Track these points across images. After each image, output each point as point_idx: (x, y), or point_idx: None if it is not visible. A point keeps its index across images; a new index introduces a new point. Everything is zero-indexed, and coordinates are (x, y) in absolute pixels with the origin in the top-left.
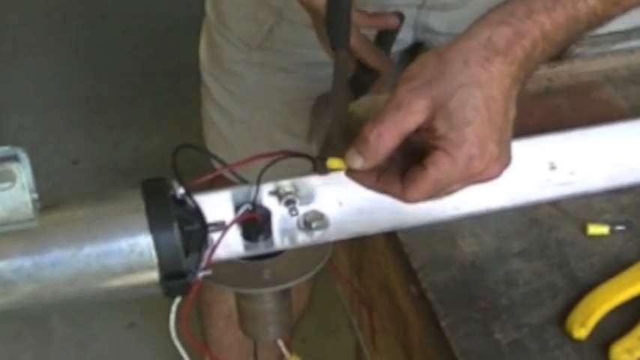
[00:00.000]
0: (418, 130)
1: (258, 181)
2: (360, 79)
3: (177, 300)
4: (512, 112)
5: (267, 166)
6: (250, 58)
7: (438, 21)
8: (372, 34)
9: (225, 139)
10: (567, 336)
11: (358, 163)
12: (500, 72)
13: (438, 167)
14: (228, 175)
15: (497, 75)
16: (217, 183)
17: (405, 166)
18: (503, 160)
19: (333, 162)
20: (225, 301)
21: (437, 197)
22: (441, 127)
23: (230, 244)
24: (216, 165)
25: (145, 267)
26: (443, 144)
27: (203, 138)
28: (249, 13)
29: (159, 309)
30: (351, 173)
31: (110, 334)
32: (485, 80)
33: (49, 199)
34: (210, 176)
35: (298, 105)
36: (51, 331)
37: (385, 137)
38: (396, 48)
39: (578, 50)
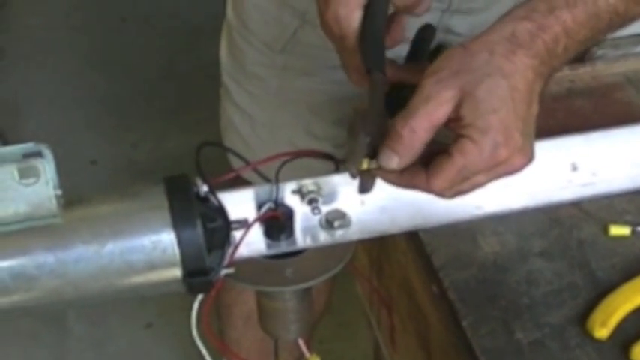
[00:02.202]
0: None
1: (277, 177)
2: (397, 95)
3: (199, 297)
4: (535, 107)
5: (285, 163)
6: (273, 62)
7: (460, 23)
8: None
9: (245, 141)
10: (588, 336)
11: (394, 162)
12: (523, 64)
13: (464, 154)
14: (248, 177)
15: (521, 67)
16: (237, 185)
17: (427, 161)
18: (527, 152)
19: (364, 162)
20: (244, 302)
21: (461, 189)
22: (468, 115)
23: (252, 242)
24: (235, 166)
25: (168, 264)
26: (469, 132)
27: (221, 139)
28: (273, 17)
29: (176, 309)
30: (380, 172)
31: (128, 334)
32: (510, 71)
33: (71, 197)
34: (233, 174)
35: (320, 107)
36: (68, 330)
37: (418, 131)
38: None
39: (599, 52)
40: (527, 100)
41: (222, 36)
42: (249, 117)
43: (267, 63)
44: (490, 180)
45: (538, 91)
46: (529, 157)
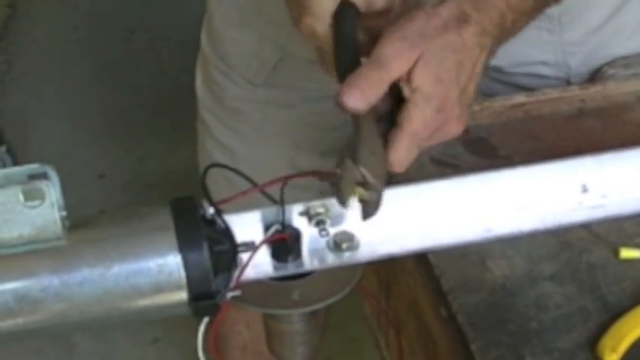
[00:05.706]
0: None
1: (282, 198)
2: None
3: (205, 320)
4: (476, 78)
5: (287, 178)
6: (254, 95)
7: None
8: None
9: (226, 177)
10: None
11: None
12: (471, 41)
13: (411, 120)
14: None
15: (469, 44)
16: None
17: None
18: (463, 120)
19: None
20: (238, 333)
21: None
22: (417, 79)
23: (259, 265)
24: (215, 196)
25: (174, 287)
26: (415, 97)
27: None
28: (252, 51)
29: (182, 325)
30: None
31: (134, 350)
32: (459, 46)
33: (76, 215)
34: (239, 196)
35: (305, 140)
36: (74, 346)
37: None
38: None
39: (610, 72)
40: (469, 73)
41: (197, 68)
42: (230, 152)
43: (248, 97)
44: (430, 144)
45: (483, 62)
46: (464, 125)
